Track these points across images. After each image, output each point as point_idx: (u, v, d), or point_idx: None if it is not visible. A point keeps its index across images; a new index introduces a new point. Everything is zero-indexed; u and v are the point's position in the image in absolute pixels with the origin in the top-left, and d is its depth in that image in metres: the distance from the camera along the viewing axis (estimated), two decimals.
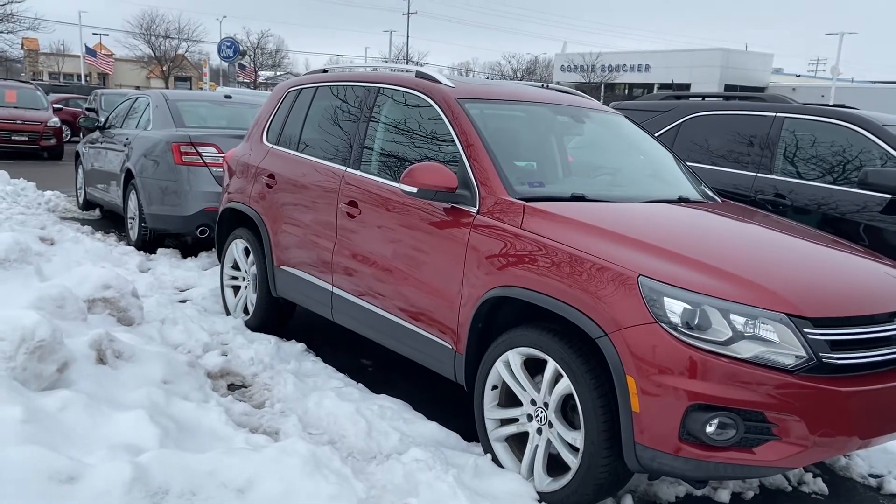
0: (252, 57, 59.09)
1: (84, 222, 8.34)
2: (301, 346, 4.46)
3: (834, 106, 5.28)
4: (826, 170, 4.90)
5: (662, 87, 45.90)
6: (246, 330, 4.66)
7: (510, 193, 3.17)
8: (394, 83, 3.96)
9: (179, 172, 6.51)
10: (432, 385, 4.04)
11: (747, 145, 5.29)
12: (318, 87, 4.57)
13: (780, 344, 2.47)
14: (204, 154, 6.52)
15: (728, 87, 42.60)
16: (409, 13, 59.20)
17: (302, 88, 4.71)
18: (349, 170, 3.98)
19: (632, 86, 51.68)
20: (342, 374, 4.06)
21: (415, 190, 3.26)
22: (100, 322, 4.10)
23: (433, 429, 3.39)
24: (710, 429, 2.45)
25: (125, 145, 7.46)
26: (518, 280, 2.93)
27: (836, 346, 2.52)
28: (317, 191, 4.16)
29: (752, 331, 2.47)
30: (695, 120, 5.67)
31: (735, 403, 2.43)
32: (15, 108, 15.97)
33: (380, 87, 4.03)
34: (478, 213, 3.19)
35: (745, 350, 2.46)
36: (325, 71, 4.80)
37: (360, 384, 3.91)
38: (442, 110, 3.57)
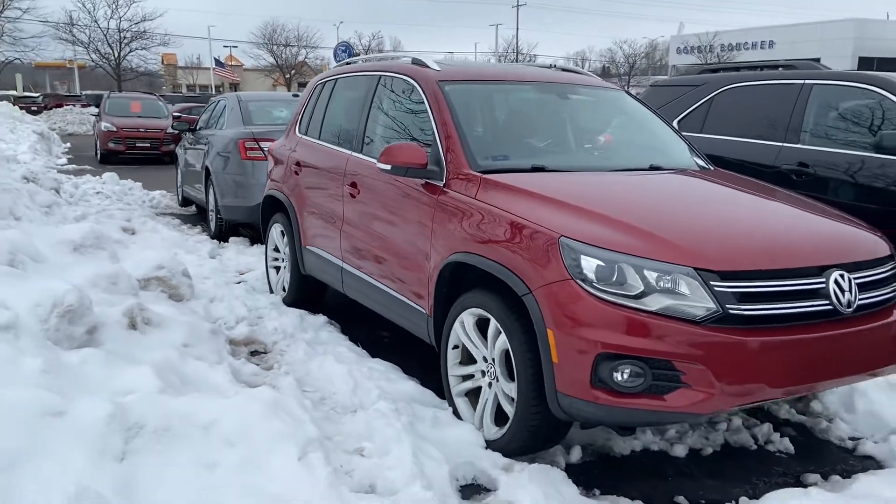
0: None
1: (177, 216, 9.20)
2: (323, 318, 4.84)
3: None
4: (853, 137, 4.71)
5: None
6: (282, 305, 5.11)
7: (472, 167, 3.38)
8: (391, 70, 4.25)
9: (245, 167, 7.13)
10: (431, 351, 4.29)
11: (776, 115, 5.14)
12: (336, 79, 4.94)
13: (690, 297, 2.56)
14: (266, 148, 7.08)
15: (863, 61, 39.54)
16: (518, 5, 59.11)
17: (326, 81, 5.10)
18: (353, 153, 4.31)
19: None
20: (350, 343, 4.40)
21: (388, 167, 3.54)
22: (151, 298, 4.64)
23: (410, 387, 3.66)
24: (618, 376, 2.58)
25: (205, 145, 8.20)
26: (469, 246, 3.15)
27: (745, 298, 2.57)
28: (328, 174, 4.52)
29: (663, 285, 2.58)
30: (726, 93, 5.56)
31: (641, 353, 2.55)
32: (139, 117, 17.65)
33: (380, 76, 4.33)
34: (443, 186, 3.42)
35: (654, 303, 2.57)
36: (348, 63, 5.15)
37: (361, 349, 4.23)
38: (424, 92, 3.82)
